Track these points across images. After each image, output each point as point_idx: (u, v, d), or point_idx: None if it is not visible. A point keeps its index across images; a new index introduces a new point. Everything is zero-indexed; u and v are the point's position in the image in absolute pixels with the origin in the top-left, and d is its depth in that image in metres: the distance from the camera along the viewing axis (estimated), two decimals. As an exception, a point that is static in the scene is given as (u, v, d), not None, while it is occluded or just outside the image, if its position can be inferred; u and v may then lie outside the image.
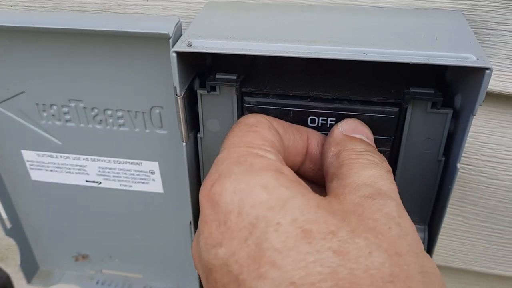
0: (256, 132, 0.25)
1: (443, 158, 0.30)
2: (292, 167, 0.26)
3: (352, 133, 0.27)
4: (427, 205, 0.33)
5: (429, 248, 0.33)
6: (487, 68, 0.25)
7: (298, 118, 0.30)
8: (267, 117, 0.28)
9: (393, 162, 0.31)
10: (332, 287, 0.18)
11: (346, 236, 0.19)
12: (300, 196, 0.21)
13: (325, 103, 0.30)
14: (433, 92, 0.28)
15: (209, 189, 0.22)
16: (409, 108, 0.29)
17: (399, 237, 0.20)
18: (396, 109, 0.29)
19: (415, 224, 0.32)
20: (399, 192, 0.32)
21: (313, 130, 0.29)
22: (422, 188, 0.32)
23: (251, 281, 0.19)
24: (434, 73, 0.31)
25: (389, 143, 0.30)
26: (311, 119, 0.30)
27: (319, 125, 0.30)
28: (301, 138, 0.28)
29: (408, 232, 0.21)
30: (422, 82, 0.30)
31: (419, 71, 0.31)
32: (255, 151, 0.23)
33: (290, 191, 0.21)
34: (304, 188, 0.22)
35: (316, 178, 0.28)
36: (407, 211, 0.32)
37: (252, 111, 0.30)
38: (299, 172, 0.28)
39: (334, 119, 0.30)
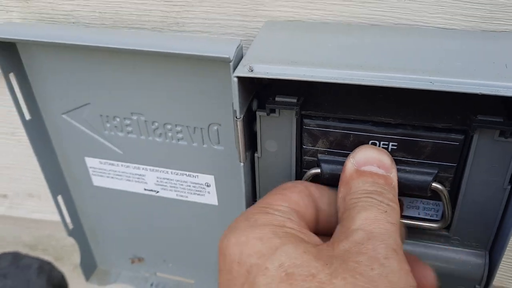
0: (281, 195, 0.28)
1: (509, 187, 0.29)
2: (329, 225, 0.28)
3: (364, 164, 0.28)
4: (489, 231, 0.31)
5: (490, 274, 0.32)
6: None
7: (358, 142, 0.30)
8: (306, 182, 0.30)
9: (455, 188, 0.30)
10: None
11: (325, 278, 0.22)
12: (290, 243, 0.24)
13: (387, 128, 0.29)
14: (502, 120, 0.27)
15: (221, 242, 0.26)
16: (476, 135, 0.28)
17: (380, 276, 0.22)
18: (461, 137, 0.28)
19: (475, 249, 0.32)
20: (460, 217, 0.31)
21: None
22: (485, 215, 0.31)
23: None
24: (502, 98, 0.30)
25: (452, 169, 0.30)
26: (371, 143, 0.30)
27: None
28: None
29: (392, 270, 0.22)
30: (488, 108, 0.29)
31: (485, 97, 0.30)
32: (265, 210, 0.27)
33: (282, 240, 0.24)
34: (298, 238, 0.25)
35: None
36: (467, 235, 0.31)
37: (311, 133, 0.30)
38: None
39: (395, 144, 0.29)
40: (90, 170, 0.43)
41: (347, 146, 0.30)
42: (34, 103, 0.40)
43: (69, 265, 0.62)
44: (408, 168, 0.30)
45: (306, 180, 0.31)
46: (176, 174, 0.40)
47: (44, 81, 0.39)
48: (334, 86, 0.32)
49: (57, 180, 0.44)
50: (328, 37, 0.32)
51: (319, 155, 0.31)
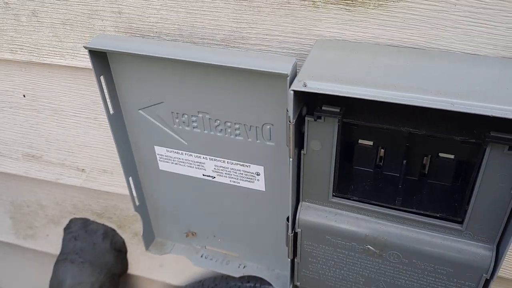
0: None
1: (515, 192, 0.35)
2: None
3: None
4: (497, 228, 0.37)
5: (495, 265, 0.38)
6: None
7: None
8: None
9: (470, 190, 0.36)
10: None
11: None
12: None
13: None
14: (510, 137, 0.33)
15: None
16: (488, 148, 0.34)
17: None
18: None
19: (484, 243, 0.38)
20: (472, 215, 0.37)
21: None
22: (493, 214, 0.37)
23: None
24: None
25: None
26: None
27: None
28: None
29: None
30: (501, 125, 0.34)
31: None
32: None
33: None
34: None
35: None
36: (478, 231, 0.37)
37: None
38: None
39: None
40: (158, 157, 0.51)
41: None
42: (116, 100, 0.48)
43: (129, 233, 0.70)
44: None
45: None
46: (231, 163, 0.48)
47: (126, 83, 0.46)
48: (371, 100, 0.38)
49: (130, 164, 0.52)
50: (369, 58, 0.38)
51: None
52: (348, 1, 0.38)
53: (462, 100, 0.32)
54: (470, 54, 0.38)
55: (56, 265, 0.70)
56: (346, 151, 0.43)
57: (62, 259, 0.70)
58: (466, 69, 0.36)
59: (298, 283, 0.49)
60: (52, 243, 0.78)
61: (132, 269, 0.75)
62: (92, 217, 0.71)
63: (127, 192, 0.61)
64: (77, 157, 0.61)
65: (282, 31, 0.42)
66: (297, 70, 0.37)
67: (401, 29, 0.39)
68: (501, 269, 0.49)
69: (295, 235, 0.44)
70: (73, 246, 0.70)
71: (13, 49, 0.52)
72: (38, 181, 0.68)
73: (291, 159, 0.39)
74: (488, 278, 0.39)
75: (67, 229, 0.72)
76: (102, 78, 0.45)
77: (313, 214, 0.43)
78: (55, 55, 0.50)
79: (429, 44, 0.39)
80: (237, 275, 0.56)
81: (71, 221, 0.72)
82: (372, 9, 0.38)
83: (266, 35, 0.42)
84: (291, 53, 0.42)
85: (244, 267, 0.56)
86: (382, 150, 0.42)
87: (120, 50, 0.42)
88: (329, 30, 0.40)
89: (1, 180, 0.72)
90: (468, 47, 0.38)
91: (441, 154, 0.40)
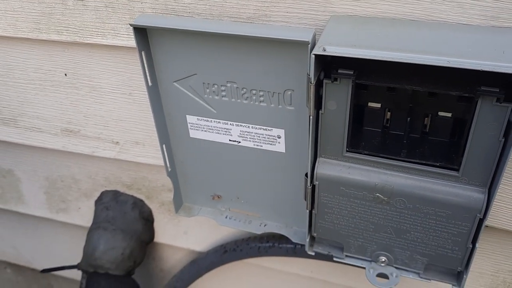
0: None
1: (503, 139, 0.41)
2: None
3: None
4: (488, 172, 0.44)
5: (487, 205, 0.44)
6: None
7: None
8: None
9: (465, 139, 0.43)
10: None
11: None
12: None
13: None
14: (498, 90, 0.39)
15: None
16: (479, 101, 0.40)
17: None
18: None
19: (477, 187, 0.44)
20: (467, 162, 0.43)
21: None
22: (485, 160, 0.43)
23: None
24: (499, 74, 0.42)
25: None
26: None
27: None
28: None
29: None
30: (490, 81, 0.40)
31: (487, 73, 0.42)
32: None
33: None
34: None
35: None
36: (472, 176, 0.43)
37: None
38: None
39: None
40: (189, 125, 0.58)
41: None
42: (154, 73, 0.54)
43: (156, 203, 0.77)
44: None
45: None
46: (255, 128, 0.54)
47: (163, 57, 0.52)
48: (380, 63, 0.45)
49: (163, 133, 0.59)
50: (377, 28, 0.44)
51: None
52: (359, -19, 0.45)
53: (456, 58, 0.38)
54: (464, 24, 0.44)
55: (89, 232, 0.77)
56: (357, 114, 0.49)
57: (95, 227, 0.76)
58: (460, 36, 0.42)
59: (315, 234, 0.55)
60: (83, 215, 0.84)
61: (158, 238, 0.81)
62: (122, 189, 0.77)
63: (156, 162, 0.67)
64: (112, 130, 0.67)
65: (300, 9, 0.48)
66: (316, 40, 0.44)
67: (404, 4, 0.45)
68: (494, 219, 0.55)
69: (313, 187, 0.51)
70: (105, 216, 0.76)
71: (60, 30, 0.58)
72: (74, 156, 0.75)
73: (311, 117, 0.45)
74: (482, 217, 0.46)
75: (98, 201, 0.79)
76: (143, 53, 0.51)
77: (329, 168, 0.49)
78: (98, 35, 0.57)
79: (428, 17, 0.45)
80: (259, 232, 0.62)
81: (102, 193, 0.79)
82: (380, -13, 0.44)
83: (287, 12, 0.49)
84: (309, 28, 0.49)
85: (265, 225, 0.63)
86: (389, 113, 0.49)
87: (161, 26, 0.48)
88: (342, 7, 0.47)
89: (39, 156, 0.79)
90: (462, 18, 0.44)
91: (440, 113, 0.47)
